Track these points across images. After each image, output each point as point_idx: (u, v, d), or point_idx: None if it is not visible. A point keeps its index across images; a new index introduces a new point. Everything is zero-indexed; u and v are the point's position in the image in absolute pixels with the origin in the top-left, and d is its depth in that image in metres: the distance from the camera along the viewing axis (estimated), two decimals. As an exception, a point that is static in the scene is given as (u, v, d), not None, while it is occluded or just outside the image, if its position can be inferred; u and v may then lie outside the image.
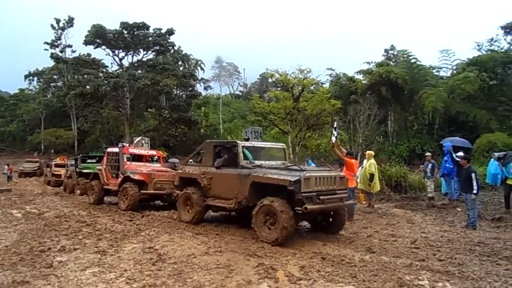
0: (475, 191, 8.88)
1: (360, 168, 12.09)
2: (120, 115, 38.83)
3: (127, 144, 13.98)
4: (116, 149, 13.06)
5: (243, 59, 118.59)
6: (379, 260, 6.12)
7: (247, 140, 8.81)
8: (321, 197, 7.18)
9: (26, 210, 11.54)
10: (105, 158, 13.43)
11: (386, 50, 42.43)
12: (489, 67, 30.04)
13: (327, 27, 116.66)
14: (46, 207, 12.25)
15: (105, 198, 13.36)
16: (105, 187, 12.84)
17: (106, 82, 35.18)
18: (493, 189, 13.70)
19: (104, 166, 13.16)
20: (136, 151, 13.31)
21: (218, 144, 9.16)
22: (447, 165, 12.40)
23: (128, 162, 12.56)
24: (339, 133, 14.52)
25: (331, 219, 8.11)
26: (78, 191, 16.06)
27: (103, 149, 16.08)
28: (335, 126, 11.45)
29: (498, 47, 33.51)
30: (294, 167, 7.82)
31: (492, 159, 11.85)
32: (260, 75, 59.17)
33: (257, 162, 8.20)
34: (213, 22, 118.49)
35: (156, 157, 14.04)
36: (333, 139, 10.93)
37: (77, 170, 16.92)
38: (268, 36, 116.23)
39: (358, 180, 11.58)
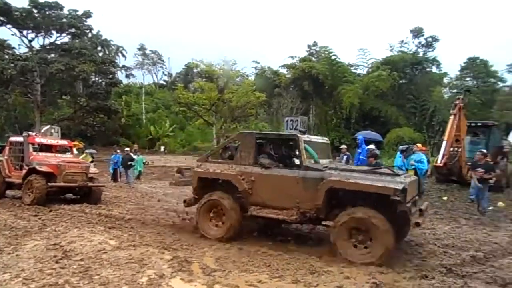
0: None
1: None
2: (29, 102, 35.47)
3: (34, 133, 12.78)
4: (20, 138, 11.93)
5: (168, 48, 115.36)
6: (294, 249, 6.30)
7: (304, 133, 7.04)
8: (421, 208, 6.12)
9: None
10: (7, 148, 12.19)
11: (309, 46, 43.71)
12: (400, 67, 32.63)
13: (254, 19, 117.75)
14: None
15: (7, 192, 12.12)
16: (7, 179, 11.64)
17: (12, 65, 31.71)
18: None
19: (6, 157, 11.93)
20: (44, 140, 12.23)
21: (262, 136, 7.35)
22: (360, 156, 13.16)
23: (35, 153, 11.52)
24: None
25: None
26: (-25, 185, 14.37)
27: (5, 138, 14.55)
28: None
29: (408, 49, 36.46)
30: (382, 170, 6.38)
31: (398, 152, 12.87)
32: (185, 65, 57.71)
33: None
34: (135, 7, 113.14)
35: (68, 147, 13.05)
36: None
37: (-26, 161, 15.13)
38: (195, 24, 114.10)
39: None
